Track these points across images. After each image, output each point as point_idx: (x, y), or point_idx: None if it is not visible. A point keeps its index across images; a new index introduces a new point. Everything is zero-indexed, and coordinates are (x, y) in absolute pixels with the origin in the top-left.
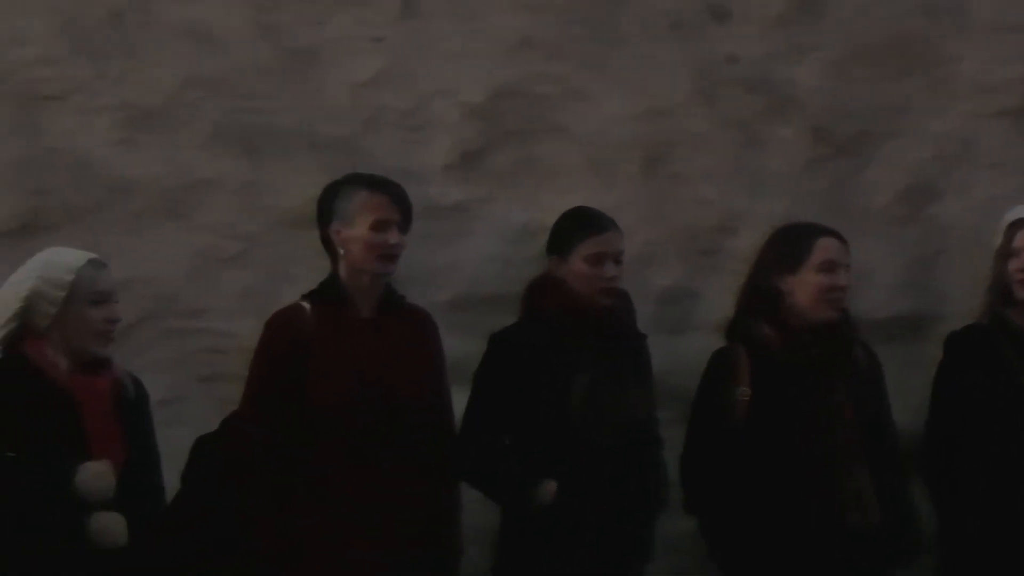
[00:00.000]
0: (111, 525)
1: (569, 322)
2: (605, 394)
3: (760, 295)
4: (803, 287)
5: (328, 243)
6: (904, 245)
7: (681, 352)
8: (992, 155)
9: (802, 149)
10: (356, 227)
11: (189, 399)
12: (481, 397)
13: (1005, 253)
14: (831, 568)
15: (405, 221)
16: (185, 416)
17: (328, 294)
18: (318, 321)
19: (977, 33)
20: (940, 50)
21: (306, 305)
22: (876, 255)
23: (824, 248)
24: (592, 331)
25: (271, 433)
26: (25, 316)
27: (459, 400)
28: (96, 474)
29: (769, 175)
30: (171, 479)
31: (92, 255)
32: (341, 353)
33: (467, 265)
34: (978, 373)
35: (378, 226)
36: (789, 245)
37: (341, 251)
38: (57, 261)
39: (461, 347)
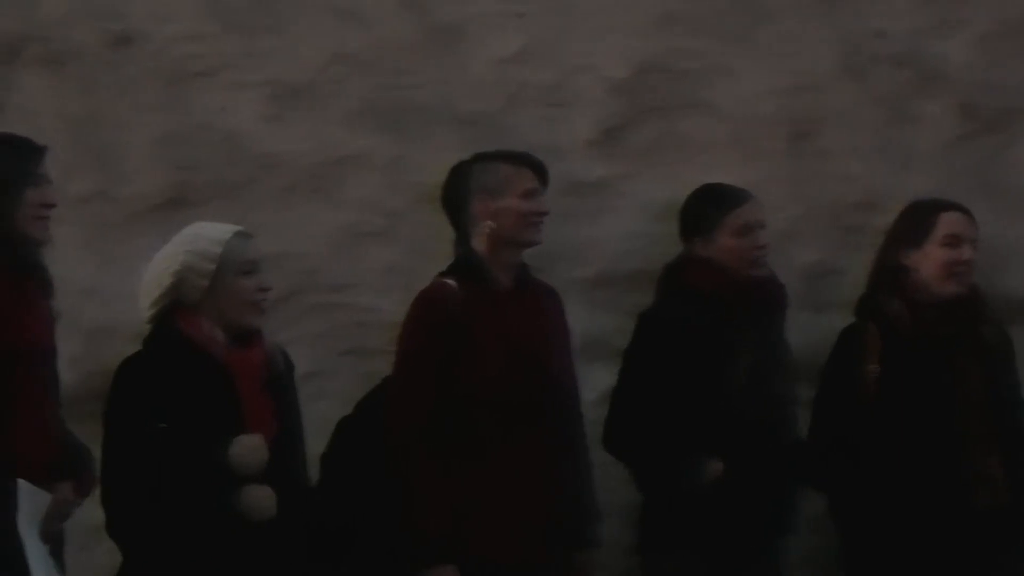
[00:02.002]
0: (262, 499)
1: (730, 299)
2: (766, 369)
3: (888, 271)
4: (927, 262)
5: (462, 220)
6: None
7: (825, 330)
8: None
9: (950, 125)
10: (506, 198)
11: (333, 373)
12: (635, 375)
13: None
14: (958, 548)
15: (545, 191)
16: (329, 390)
17: (468, 270)
18: (465, 297)
19: None
20: None
21: (451, 282)
22: (1020, 233)
23: (948, 222)
24: (755, 305)
25: (426, 410)
26: (177, 291)
27: (602, 377)
28: (250, 448)
29: (916, 152)
30: (316, 452)
31: (238, 227)
32: (491, 328)
33: (609, 242)
34: None
35: (528, 195)
36: (914, 220)
37: (488, 225)
38: (205, 234)
39: (604, 323)
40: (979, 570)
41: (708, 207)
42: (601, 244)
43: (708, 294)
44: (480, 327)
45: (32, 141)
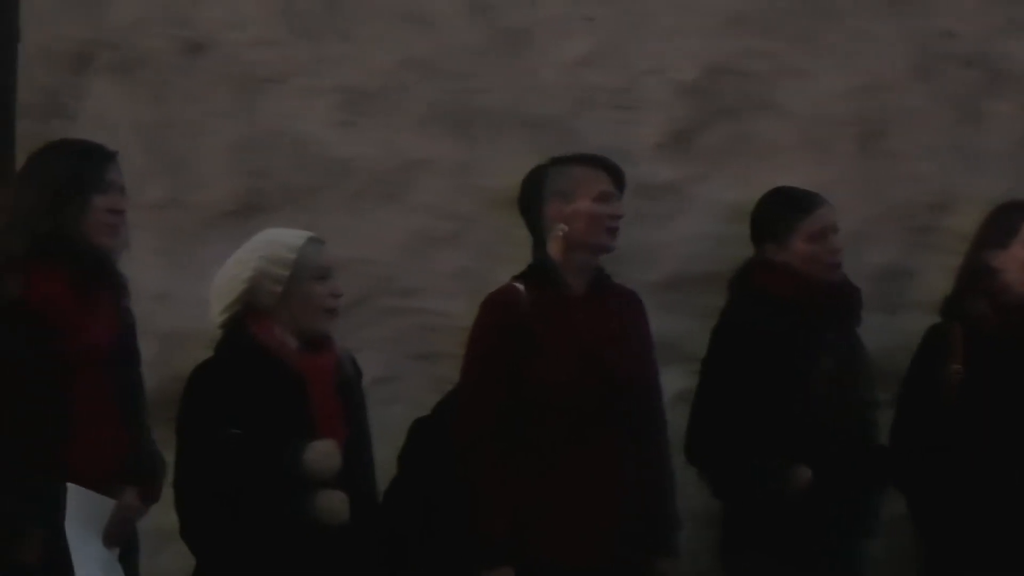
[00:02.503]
0: (336, 503)
1: (807, 304)
2: (847, 374)
3: (973, 272)
4: (1012, 263)
5: (537, 222)
6: None
7: (897, 331)
8: None
9: (1020, 124)
10: (579, 201)
11: (404, 377)
12: (713, 384)
13: None
14: None
15: (621, 195)
16: (401, 394)
17: (540, 274)
18: (533, 301)
19: None
20: None
21: (520, 286)
22: None
23: None
24: (834, 310)
25: (495, 413)
26: (250, 296)
27: (673, 380)
28: (324, 453)
29: (986, 151)
30: (387, 457)
31: (310, 233)
32: (560, 332)
33: (679, 244)
34: None
35: (602, 198)
36: (999, 221)
37: (561, 228)
38: (278, 241)
39: (673, 327)
40: None
41: (782, 211)
42: (671, 247)
43: (784, 299)
44: (548, 331)
45: (101, 147)
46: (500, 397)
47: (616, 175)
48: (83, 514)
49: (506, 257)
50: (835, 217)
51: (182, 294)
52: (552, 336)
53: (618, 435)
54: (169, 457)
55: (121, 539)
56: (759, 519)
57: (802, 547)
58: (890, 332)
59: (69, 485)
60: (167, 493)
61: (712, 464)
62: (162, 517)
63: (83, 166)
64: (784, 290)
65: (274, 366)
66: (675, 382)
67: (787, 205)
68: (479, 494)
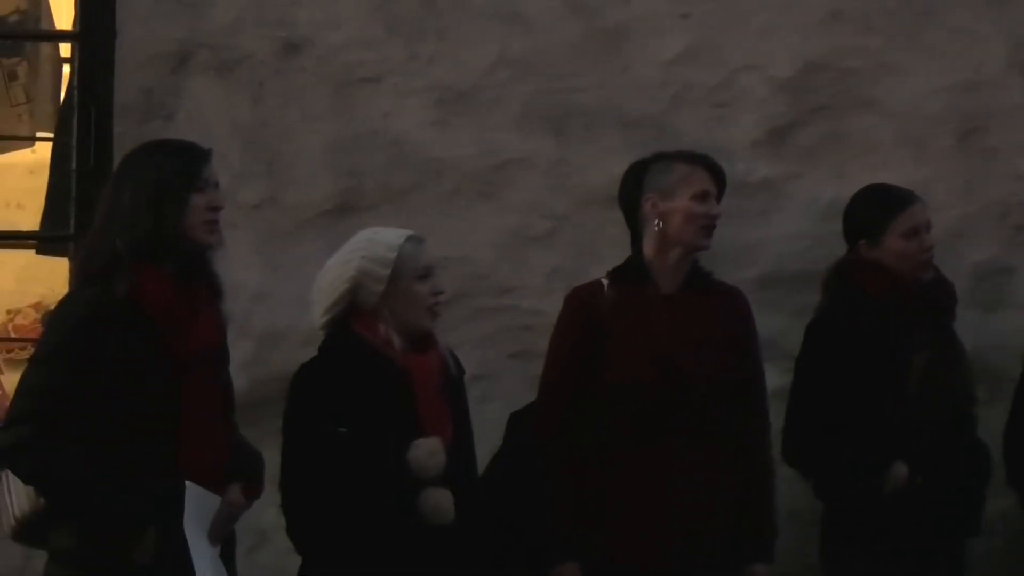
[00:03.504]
0: (442, 501)
1: (900, 302)
2: (942, 371)
3: None
4: None
5: (635, 218)
6: None
7: (995, 329)
8: None
9: None
10: (676, 199)
11: (500, 375)
12: (808, 383)
13: None
14: None
15: (720, 195)
16: (496, 392)
17: (630, 272)
18: (616, 298)
19: None
20: None
21: (604, 282)
22: None
23: None
24: (927, 307)
25: (569, 409)
26: (353, 296)
27: (770, 378)
28: (430, 452)
29: None
30: (483, 454)
31: (410, 232)
32: (636, 331)
33: (775, 242)
34: None
35: (700, 197)
36: None
37: (656, 224)
38: (378, 240)
39: (770, 324)
40: None
41: (875, 210)
42: (767, 245)
43: (877, 297)
44: (626, 330)
45: (197, 145)
46: (573, 392)
47: (717, 174)
48: (196, 512)
49: (600, 256)
50: (928, 215)
51: (278, 293)
52: (627, 335)
53: (693, 436)
54: (268, 456)
55: (224, 536)
56: (858, 518)
57: (902, 546)
58: (989, 330)
59: (187, 483)
60: (266, 490)
61: (808, 463)
62: (258, 515)
63: (180, 165)
64: (877, 288)
65: (380, 365)
66: (771, 380)
67: (880, 202)
68: (552, 489)
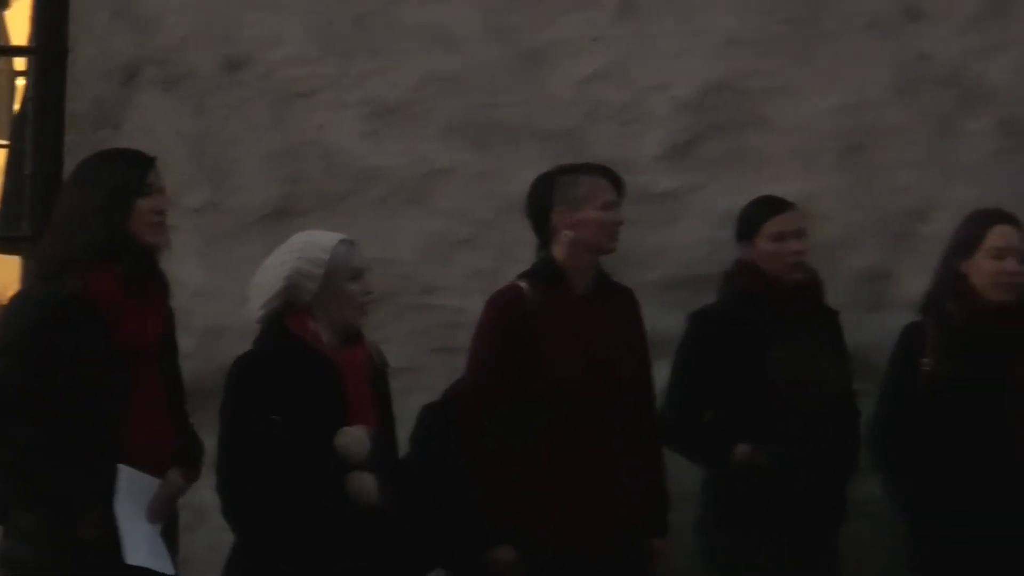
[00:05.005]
0: (367, 484)
1: (764, 299)
2: (801, 366)
3: (946, 277)
4: (977, 271)
5: (544, 227)
6: None
7: (875, 328)
8: None
9: (991, 140)
10: (585, 210)
11: (424, 368)
12: (684, 371)
13: None
14: (1009, 524)
15: (621, 201)
16: (420, 384)
17: (545, 274)
18: (538, 300)
19: None
20: None
21: (524, 284)
22: None
23: (996, 235)
24: (785, 306)
25: (499, 403)
26: (288, 294)
27: (666, 373)
28: (355, 438)
29: (960, 164)
30: (407, 441)
31: (343, 235)
32: (565, 330)
33: (676, 248)
34: None
35: (607, 206)
36: (967, 231)
37: (567, 234)
38: (313, 242)
39: (671, 324)
40: None
41: (751, 214)
42: (669, 250)
43: (748, 293)
44: (551, 329)
45: (142, 153)
46: (504, 389)
47: (618, 184)
48: (131, 493)
49: (520, 259)
50: (799, 223)
51: (220, 291)
52: (556, 334)
53: (615, 426)
54: (208, 441)
55: (164, 515)
56: (730, 500)
57: (775, 528)
58: (871, 329)
59: (120, 466)
60: (204, 473)
61: (678, 445)
62: (197, 496)
63: (128, 171)
64: (747, 285)
65: (310, 357)
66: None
67: (756, 209)
68: (484, 479)
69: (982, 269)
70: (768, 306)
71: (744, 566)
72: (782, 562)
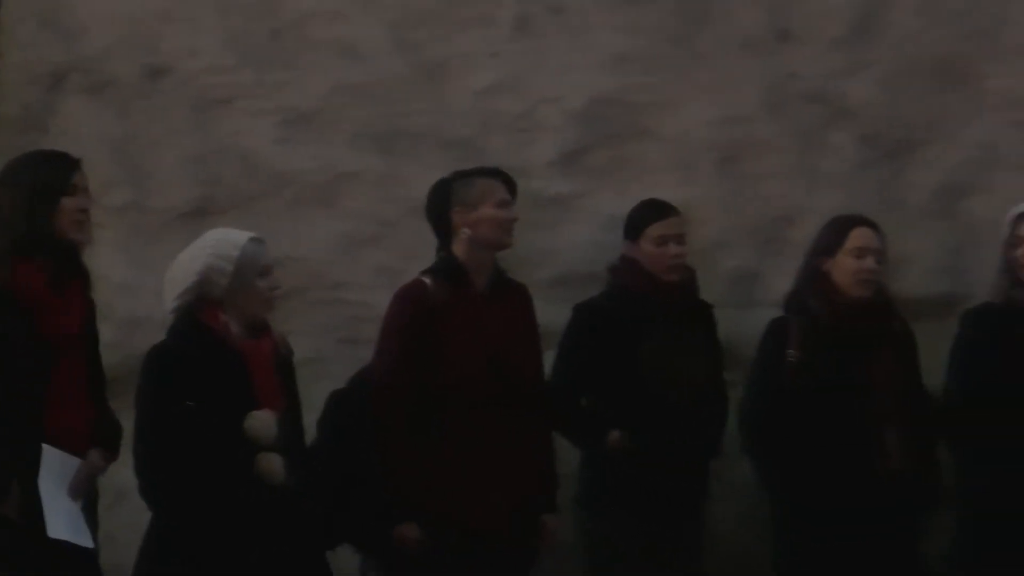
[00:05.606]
0: (274, 465)
1: (641, 295)
2: (672, 358)
3: (810, 275)
4: (839, 269)
5: (444, 227)
6: (938, 236)
7: (746, 325)
8: (1016, 159)
9: (853, 153)
10: (482, 208)
11: (331, 358)
12: (565, 358)
13: (1011, 242)
14: (864, 508)
15: (514, 201)
16: (328, 372)
17: (447, 271)
18: (440, 295)
19: (1006, 54)
20: (974, 68)
21: (427, 280)
22: (915, 244)
23: (857, 236)
24: (662, 303)
25: (406, 392)
26: (200, 288)
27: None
28: (263, 422)
29: (825, 175)
30: (314, 425)
31: (253, 234)
32: (465, 324)
33: (566, 248)
34: (988, 345)
35: (501, 204)
36: (830, 233)
37: (466, 232)
38: (225, 240)
39: (560, 318)
40: (885, 531)
41: (636, 217)
42: (559, 250)
43: (626, 289)
44: (452, 323)
45: (68, 155)
46: (410, 378)
47: (510, 184)
48: (54, 471)
49: (422, 256)
50: (679, 228)
51: (141, 285)
52: (458, 328)
53: (511, 413)
54: (126, 425)
55: (84, 493)
56: (604, 478)
57: (641, 504)
58: (741, 324)
59: (44, 446)
60: (123, 454)
61: (557, 428)
62: (117, 476)
63: (53, 172)
64: (628, 281)
65: (220, 347)
66: None
67: (643, 212)
68: (391, 461)
69: (844, 267)
70: (646, 302)
71: (615, 539)
72: (649, 536)
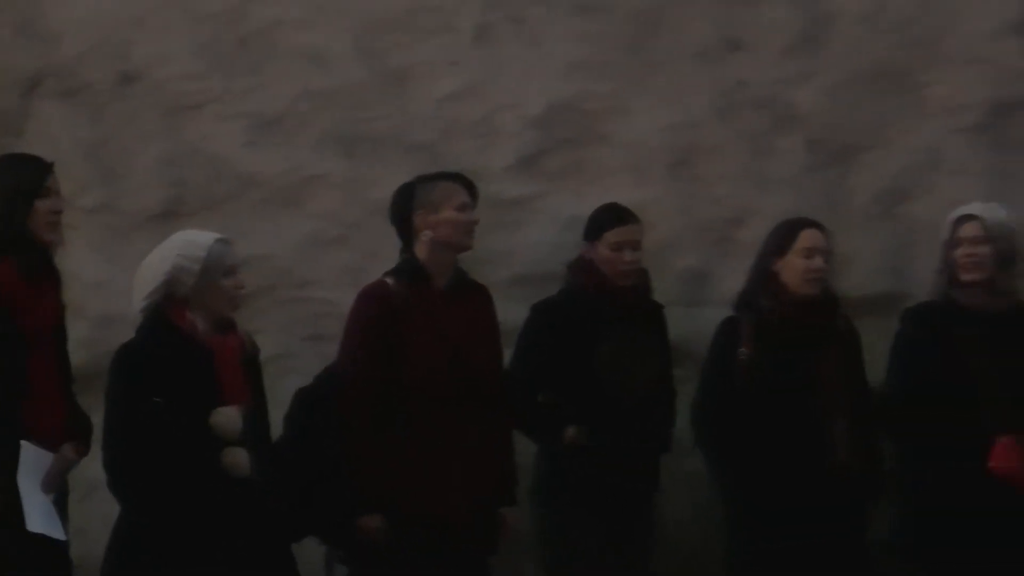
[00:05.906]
0: (239, 459)
1: (597, 297)
2: (627, 361)
3: (760, 275)
4: (789, 269)
5: (407, 229)
6: (880, 237)
7: (697, 322)
8: (954, 165)
9: (800, 158)
10: (443, 211)
11: (296, 355)
12: (522, 356)
13: (951, 243)
14: (812, 499)
15: (475, 204)
16: (294, 368)
17: (410, 272)
18: (402, 295)
19: (946, 64)
20: (915, 77)
21: (390, 280)
22: (857, 245)
23: (806, 237)
24: (615, 304)
25: (371, 388)
26: (168, 287)
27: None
28: (228, 417)
29: (772, 178)
30: (280, 420)
31: (219, 234)
32: (427, 323)
33: (525, 249)
34: (928, 343)
35: (462, 207)
36: (779, 234)
37: (427, 233)
38: (192, 240)
39: (519, 316)
40: (836, 527)
41: (599, 221)
42: (518, 251)
43: (582, 289)
44: (415, 322)
45: (41, 158)
46: (373, 376)
47: (471, 188)
48: (29, 465)
49: (385, 257)
50: (638, 236)
51: (113, 284)
52: (418, 327)
53: (472, 409)
54: (96, 420)
55: (57, 487)
56: (558, 471)
57: (593, 497)
58: (693, 322)
59: (22, 441)
60: (93, 449)
61: (516, 424)
62: (88, 470)
63: (27, 174)
64: (584, 282)
65: (187, 345)
66: None
67: (603, 217)
68: (357, 455)
69: (793, 266)
70: (600, 303)
71: (570, 532)
72: (602, 527)
